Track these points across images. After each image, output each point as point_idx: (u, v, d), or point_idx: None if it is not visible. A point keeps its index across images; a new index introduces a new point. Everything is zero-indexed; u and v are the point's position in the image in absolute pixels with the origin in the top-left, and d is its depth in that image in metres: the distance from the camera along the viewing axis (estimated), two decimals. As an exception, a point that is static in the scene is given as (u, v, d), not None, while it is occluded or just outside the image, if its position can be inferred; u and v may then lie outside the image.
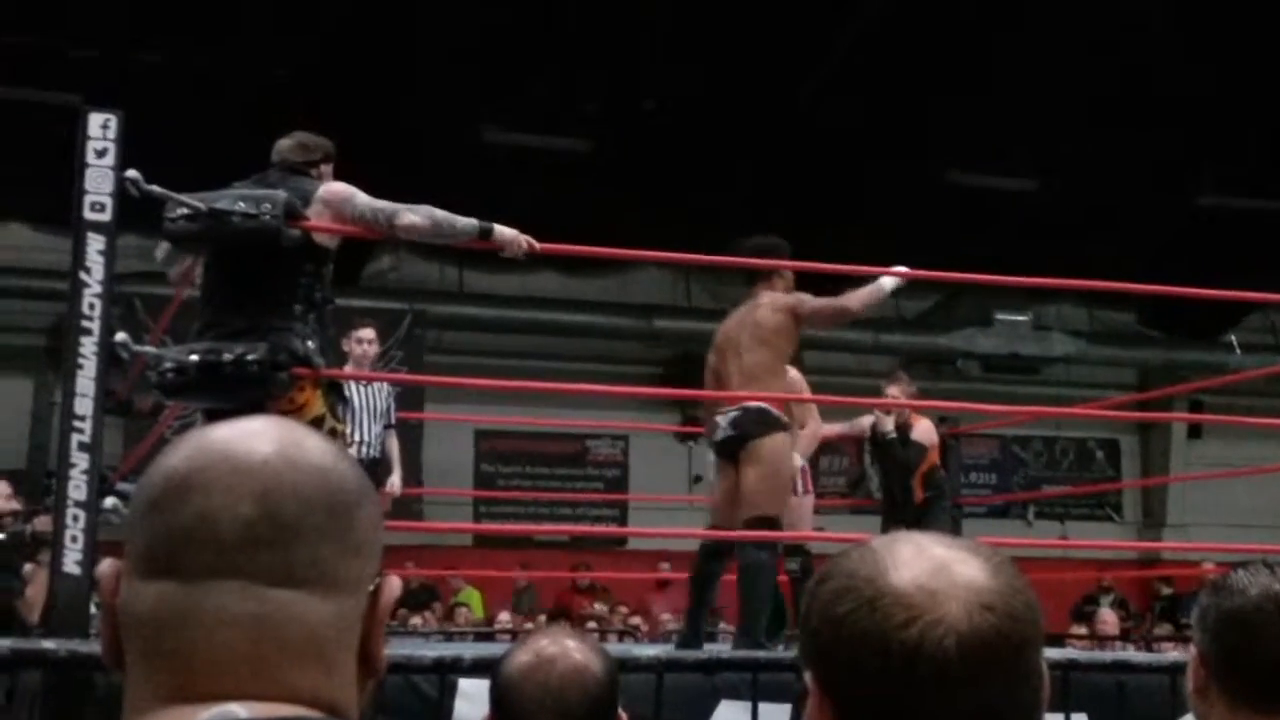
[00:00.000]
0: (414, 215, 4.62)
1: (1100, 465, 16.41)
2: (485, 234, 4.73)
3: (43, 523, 6.70)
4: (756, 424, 5.88)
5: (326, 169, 4.88)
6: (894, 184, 12.60)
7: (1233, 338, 15.11)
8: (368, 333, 7.49)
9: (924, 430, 7.99)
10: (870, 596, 1.06)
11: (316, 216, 4.59)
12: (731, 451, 6.01)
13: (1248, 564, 1.75)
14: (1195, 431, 15.75)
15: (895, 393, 7.77)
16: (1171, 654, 6.37)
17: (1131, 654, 7.89)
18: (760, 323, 6.07)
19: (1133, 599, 14.11)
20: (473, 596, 12.33)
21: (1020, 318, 14.73)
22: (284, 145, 4.87)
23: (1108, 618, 10.93)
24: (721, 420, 6.03)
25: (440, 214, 4.67)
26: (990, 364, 14.88)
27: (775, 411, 5.89)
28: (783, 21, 11.05)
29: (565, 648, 2.05)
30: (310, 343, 4.54)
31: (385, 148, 10.77)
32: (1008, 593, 1.07)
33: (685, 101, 12.12)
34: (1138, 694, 4.52)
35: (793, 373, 6.72)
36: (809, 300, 6.16)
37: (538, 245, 4.84)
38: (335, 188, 4.71)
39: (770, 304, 6.12)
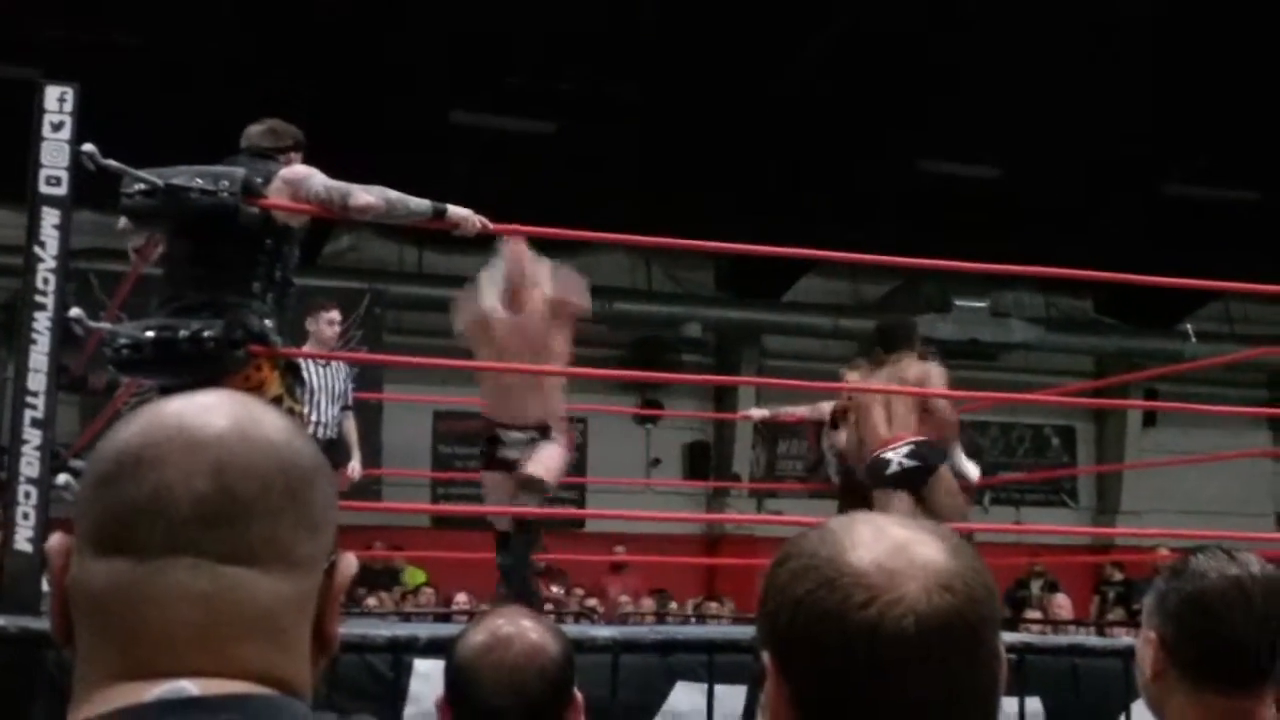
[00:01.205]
0: (368, 196, 4.61)
1: (1056, 452, 16.52)
2: (439, 214, 4.75)
3: None
4: (934, 454, 6.67)
5: (295, 157, 4.86)
6: (858, 170, 12.64)
7: (1188, 326, 15.22)
8: (334, 314, 7.46)
9: None
10: (829, 576, 1.06)
11: (275, 194, 4.57)
12: (916, 481, 6.63)
13: (1205, 549, 1.77)
14: (1150, 419, 15.88)
15: (854, 378, 7.80)
16: (1125, 638, 6.42)
17: (1086, 638, 7.95)
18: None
19: (1085, 585, 14.21)
20: (416, 575, 12.31)
21: (978, 304, 14.79)
22: (253, 131, 4.86)
23: (1062, 602, 11.02)
24: (894, 455, 6.68)
25: (394, 194, 4.67)
26: (948, 350, 14.90)
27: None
28: (756, 11, 11.05)
29: (521, 628, 2.04)
30: (268, 321, 4.52)
31: (353, 130, 10.71)
32: (967, 574, 1.07)
33: (658, 87, 12.11)
34: (1092, 677, 4.55)
35: None
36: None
37: (491, 225, 4.86)
38: (296, 168, 4.71)
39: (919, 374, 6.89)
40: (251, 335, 4.45)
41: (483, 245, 5.84)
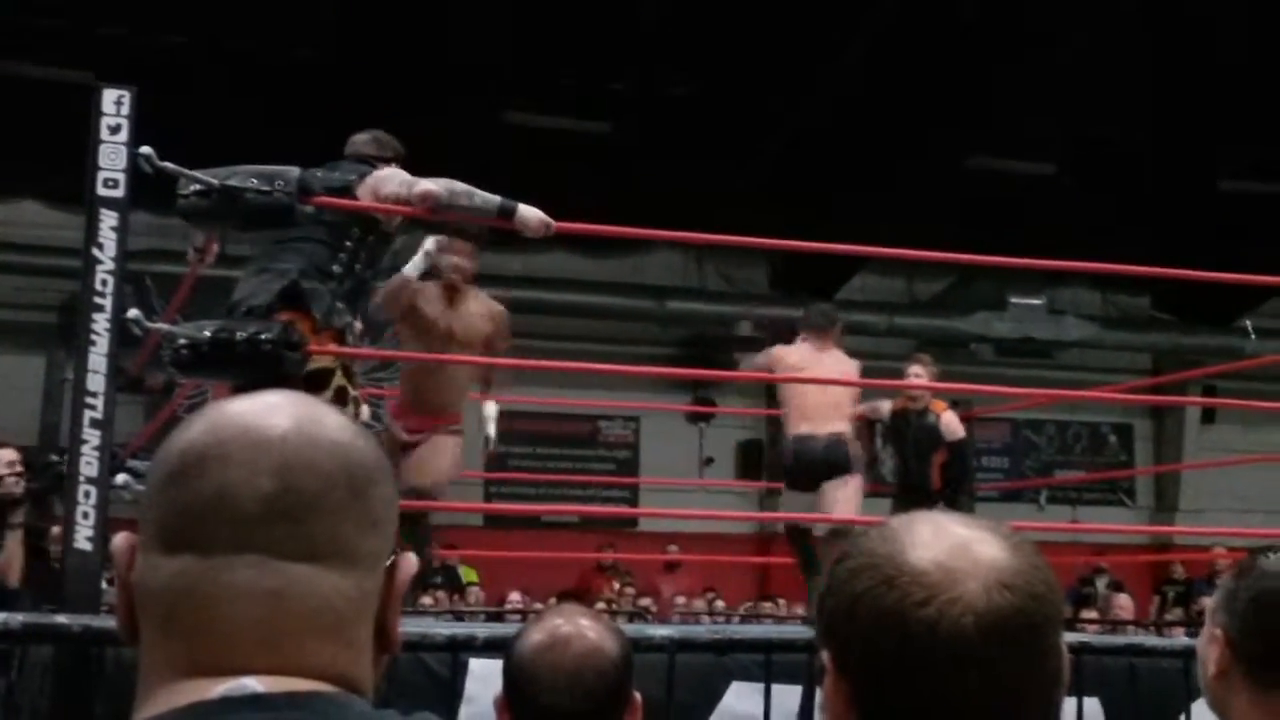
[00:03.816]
0: (430, 184, 4.65)
1: (1113, 450, 16.37)
2: (506, 212, 4.74)
3: (10, 483, 6.69)
4: None
5: (396, 167, 4.96)
6: (911, 167, 12.57)
7: (1247, 322, 15.05)
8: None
9: (949, 422, 7.92)
10: (889, 574, 1.06)
11: (363, 195, 4.71)
12: None
13: (1274, 548, 1.75)
14: (1209, 416, 15.71)
15: (918, 371, 7.75)
16: (1184, 639, 6.36)
17: (1145, 638, 7.89)
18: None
19: (1143, 584, 14.09)
20: (470, 574, 12.36)
21: (1034, 301, 14.68)
22: (359, 139, 5.02)
23: (1123, 602, 10.91)
24: None
25: (459, 186, 4.71)
26: (1003, 347, 14.84)
27: None
28: (807, 4, 11.02)
29: (579, 627, 2.04)
30: (339, 304, 4.58)
31: (408, 128, 10.75)
32: (1028, 572, 1.06)
33: (708, 86, 12.09)
34: (1151, 678, 4.51)
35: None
36: None
37: (554, 226, 4.86)
38: (383, 171, 4.81)
39: None
40: (309, 305, 4.50)
41: (535, 243, 5.84)
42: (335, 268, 4.61)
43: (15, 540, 6.48)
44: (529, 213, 4.78)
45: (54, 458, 6.78)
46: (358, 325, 4.78)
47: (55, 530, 6.62)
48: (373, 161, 4.88)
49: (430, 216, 4.89)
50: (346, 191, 4.67)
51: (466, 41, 11.27)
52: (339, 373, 4.63)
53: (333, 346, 4.62)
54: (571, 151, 12.54)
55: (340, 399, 4.57)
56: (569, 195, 7.37)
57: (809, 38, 11.38)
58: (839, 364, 7.12)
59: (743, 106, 12.21)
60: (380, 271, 4.95)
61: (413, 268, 6.00)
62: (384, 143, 5.01)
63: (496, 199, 4.74)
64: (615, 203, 8.97)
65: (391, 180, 4.72)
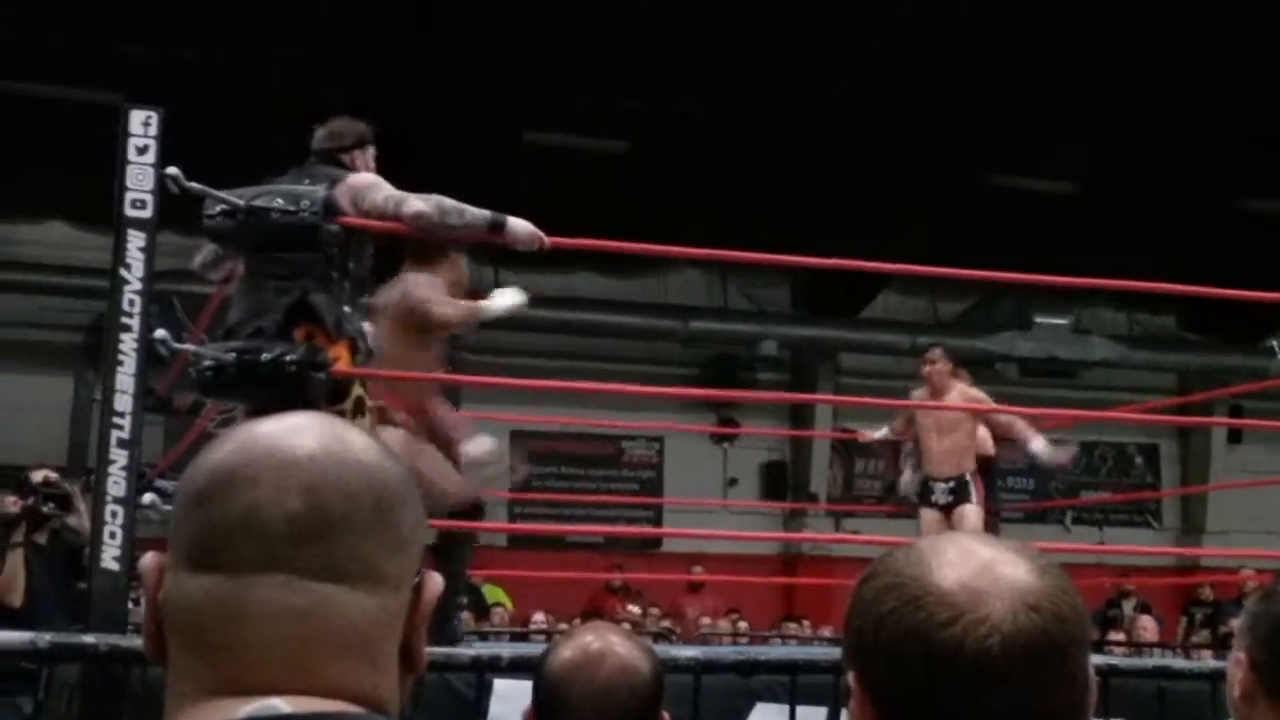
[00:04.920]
0: (420, 203, 4.57)
1: (1139, 470, 16.29)
2: (497, 226, 4.65)
3: (9, 502, 6.71)
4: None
5: (360, 154, 4.81)
6: (933, 185, 12.55)
7: (1274, 342, 14.97)
8: None
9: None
10: (914, 595, 1.06)
11: (343, 202, 4.57)
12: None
13: None
14: (1236, 437, 15.62)
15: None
16: (1211, 661, 6.31)
17: (1173, 660, 7.83)
18: None
19: (1170, 606, 14.00)
20: (496, 593, 12.33)
21: (1059, 321, 14.63)
22: (318, 135, 4.84)
23: (1147, 624, 10.84)
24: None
25: (449, 203, 4.60)
26: (1028, 367, 14.78)
27: None
28: (822, 20, 11.03)
29: (610, 644, 2.03)
30: (346, 308, 4.55)
31: (425, 147, 10.81)
32: (1054, 594, 1.06)
33: (724, 103, 12.11)
34: (1178, 701, 4.49)
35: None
36: None
37: (548, 241, 4.75)
38: (361, 178, 4.67)
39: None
40: (323, 317, 4.48)
41: (559, 263, 5.83)
42: (334, 273, 4.56)
43: (17, 558, 6.50)
44: (519, 226, 4.68)
45: (43, 476, 6.80)
46: (368, 328, 4.75)
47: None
48: (335, 157, 4.74)
49: (420, 235, 4.82)
50: (336, 215, 4.53)
51: (482, 62, 11.30)
52: (357, 382, 4.63)
53: (346, 359, 4.59)
54: (588, 170, 12.55)
55: (359, 409, 4.57)
56: (586, 214, 7.36)
57: (826, 55, 11.39)
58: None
59: (759, 123, 12.21)
60: (366, 265, 4.81)
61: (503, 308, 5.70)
62: (341, 133, 4.81)
63: (487, 214, 4.64)
64: (633, 221, 8.97)
65: (376, 190, 4.59)
